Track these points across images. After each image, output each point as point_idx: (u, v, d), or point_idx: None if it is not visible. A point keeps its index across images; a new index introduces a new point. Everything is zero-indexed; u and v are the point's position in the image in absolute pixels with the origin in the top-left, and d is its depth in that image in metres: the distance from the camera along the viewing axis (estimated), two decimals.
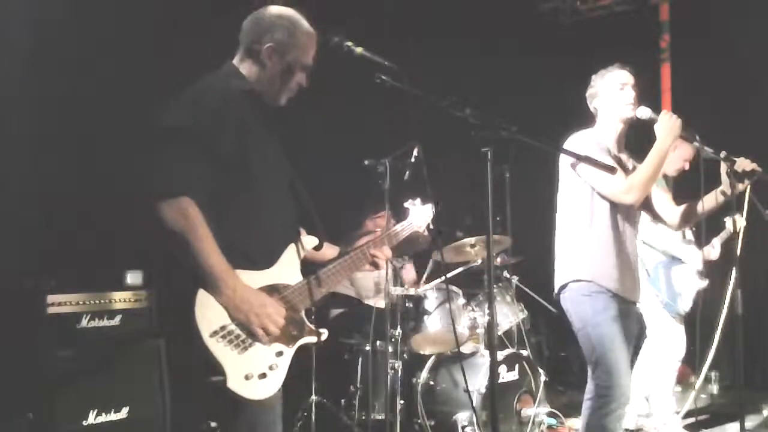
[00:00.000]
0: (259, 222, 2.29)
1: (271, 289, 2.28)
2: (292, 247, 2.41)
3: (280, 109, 2.45)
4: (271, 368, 2.22)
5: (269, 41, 2.35)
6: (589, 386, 3.26)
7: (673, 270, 4.58)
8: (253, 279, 2.24)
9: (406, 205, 2.92)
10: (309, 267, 2.51)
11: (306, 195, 2.48)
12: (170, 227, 2.10)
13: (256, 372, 2.18)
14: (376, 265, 2.64)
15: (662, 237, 4.50)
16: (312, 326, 2.39)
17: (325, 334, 2.44)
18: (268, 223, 2.32)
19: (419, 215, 2.89)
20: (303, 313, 2.38)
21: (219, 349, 2.12)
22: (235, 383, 2.13)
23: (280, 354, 2.26)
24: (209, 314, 2.12)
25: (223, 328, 2.14)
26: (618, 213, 3.25)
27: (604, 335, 3.16)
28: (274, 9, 2.42)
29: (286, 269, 2.36)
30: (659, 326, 4.60)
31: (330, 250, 2.63)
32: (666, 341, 4.61)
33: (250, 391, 2.16)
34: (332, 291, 2.64)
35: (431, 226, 2.93)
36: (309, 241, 2.52)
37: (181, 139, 2.16)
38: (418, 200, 2.91)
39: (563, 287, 3.30)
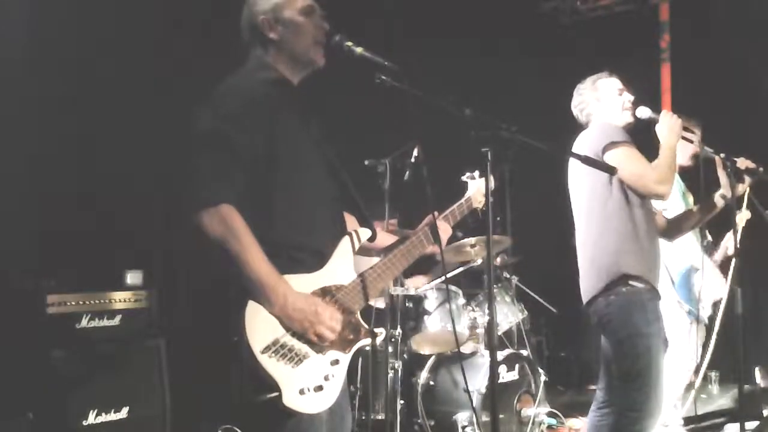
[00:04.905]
0: (302, 220, 2.17)
1: (324, 292, 2.16)
2: (343, 242, 2.26)
3: (310, 93, 2.37)
4: (326, 379, 2.11)
5: (260, 15, 2.26)
6: (618, 399, 3.07)
7: (695, 277, 4.56)
8: (303, 283, 2.12)
9: (464, 178, 2.66)
10: (370, 252, 2.40)
11: (351, 183, 2.35)
12: (212, 237, 2.00)
13: (311, 385, 2.07)
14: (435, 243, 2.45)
15: (696, 245, 4.44)
16: (367, 327, 2.26)
17: (382, 334, 2.30)
18: (312, 220, 2.20)
19: (479, 190, 2.62)
20: (358, 315, 2.24)
21: (272, 365, 2.01)
22: (291, 399, 2.02)
23: (335, 362, 2.15)
24: (260, 327, 2.01)
25: (275, 342, 2.03)
26: (644, 206, 3.14)
27: (653, 347, 3.03)
28: None
29: (339, 268, 2.23)
30: (678, 333, 4.57)
31: (386, 237, 2.49)
32: (683, 348, 4.59)
33: (306, 405, 2.06)
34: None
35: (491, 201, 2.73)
36: (362, 233, 2.35)
37: (212, 146, 2.07)
38: (477, 172, 2.63)
39: (608, 289, 3.06)
